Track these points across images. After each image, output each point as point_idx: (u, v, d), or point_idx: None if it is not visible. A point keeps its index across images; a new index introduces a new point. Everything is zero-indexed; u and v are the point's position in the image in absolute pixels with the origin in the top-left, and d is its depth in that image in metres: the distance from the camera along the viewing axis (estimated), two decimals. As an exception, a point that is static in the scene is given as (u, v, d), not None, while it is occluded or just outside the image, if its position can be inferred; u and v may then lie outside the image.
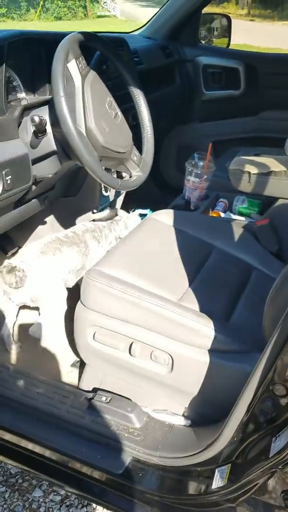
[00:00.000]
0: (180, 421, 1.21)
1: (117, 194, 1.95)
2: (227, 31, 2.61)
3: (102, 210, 1.88)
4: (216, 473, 1.00)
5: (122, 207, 2.10)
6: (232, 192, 1.81)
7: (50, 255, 1.46)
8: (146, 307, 1.16)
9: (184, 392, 1.18)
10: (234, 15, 14.13)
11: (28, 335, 1.59)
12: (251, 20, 14.81)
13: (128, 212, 1.86)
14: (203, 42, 2.50)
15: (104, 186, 1.56)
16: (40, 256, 1.44)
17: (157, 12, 2.32)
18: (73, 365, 1.49)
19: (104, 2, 22.56)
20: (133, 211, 1.85)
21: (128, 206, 2.09)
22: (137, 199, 2.07)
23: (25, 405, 1.25)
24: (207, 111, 2.44)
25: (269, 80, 2.30)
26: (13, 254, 1.76)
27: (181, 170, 2.19)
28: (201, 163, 1.75)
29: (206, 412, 1.18)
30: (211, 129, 2.43)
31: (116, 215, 1.66)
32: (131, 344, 1.19)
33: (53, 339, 1.50)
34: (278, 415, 0.89)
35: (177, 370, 1.16)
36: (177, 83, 2.35)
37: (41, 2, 16.33)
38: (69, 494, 1.55)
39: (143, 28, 2.36)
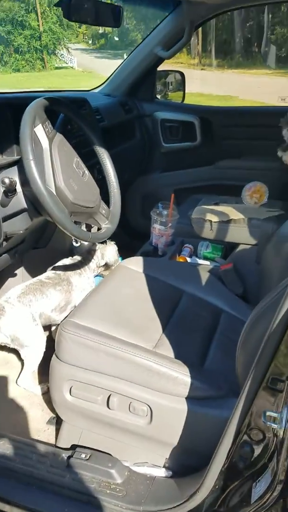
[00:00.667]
0: (162, 472, 1.21)
1: (89, 244, 1.99)
2: (181, 85, 2.78)
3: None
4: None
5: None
6: (196, 237, 1.89)
7: (31, 295, 1.52)
8: (122, 357, 1.17)
9: (164, 442, 1.18)
10: (186, 65, 15.00)
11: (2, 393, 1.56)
12: (202, 69, 15.73)
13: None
14: (159, 96, 2.65)
15: (74, 239, 1.60)
16: (20, 296, 1.48)
17: (115, 70, 2.46)
18: (49, 422, 1.47)
19: (61, 55, 23.44)
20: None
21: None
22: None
23: (3, 467, 1.21)
24: (167, 162, 2.56)
25: (222, 132, 2.46)
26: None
27: (147, 217, 2.26)
28: (165, 212, 1.82)
29: (187, 461, 1.19)
30: (171, 178, 2.54)
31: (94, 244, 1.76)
32: (109, 397, 1.20)
33: (30, 386, 1.52)
34: (257, 460, 0.91)
35: (156, 420, 1.16)
36: (137, 137, 2.47)
37: (-1, 56, 16.82)
38: None
39: (103, 85, 2.48)
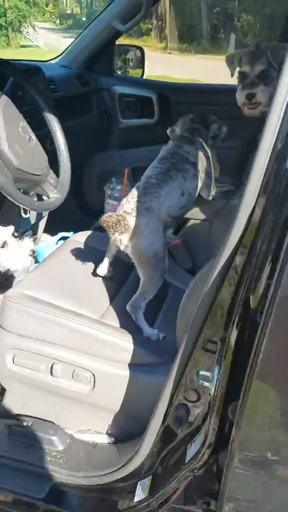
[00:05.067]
0: (104, 439, 1.22)
1: (39, 217, 1.95)
2: (141, 62, 2.75)
3: (23, 233, 1.87)
4: (138, 487, 1.02)
5: (45, 231, 2.10)
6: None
7: None
8: (66, 325, 1.16)
9: (107, 409, 1.19)
10: (153, 48, 14.85)
11: None
12: (169, 53, 15.62)
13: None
14: (119, 72, 2.61)
15: (23, 208, 1.56)
16: None
17: (72, 42, 2.40)
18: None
19: (27, 32, 22.67)
20: None
21: (51, 230, 2.09)
22: (60, 223, 2.07)
23: None
24: (125, 139, 2.53)
25: (180, 109, 2.45)
26: None
27: (103, 195, 2.24)
28: (118, 187, 1.81)
29: (129, 428, 1.20)
30: (129, 156, 2.51)
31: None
32: (52, 365, 1.19)
33: None
34: (192, 421, 0.93)
35: (99, 387, 1.17)
36: (94, 111, 2.42)
37: None
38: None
39: (59, 57, 2.42)
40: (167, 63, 10.67)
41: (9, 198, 1.22)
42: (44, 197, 1.41)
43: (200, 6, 15.23)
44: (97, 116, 2.43)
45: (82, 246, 1.58)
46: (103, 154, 2.54)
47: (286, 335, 0.74)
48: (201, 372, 0.85)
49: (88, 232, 1.65)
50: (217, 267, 0.82)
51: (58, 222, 2.08)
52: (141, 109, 2.44)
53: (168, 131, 1.77)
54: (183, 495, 0.94)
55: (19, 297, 1.22)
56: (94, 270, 1.44)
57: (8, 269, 1.43)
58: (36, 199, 1.49)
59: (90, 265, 1.47)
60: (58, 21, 31.41)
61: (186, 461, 0.92)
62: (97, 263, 1.47)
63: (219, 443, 0.86)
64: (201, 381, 0.84)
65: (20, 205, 1.26)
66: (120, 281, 1.44)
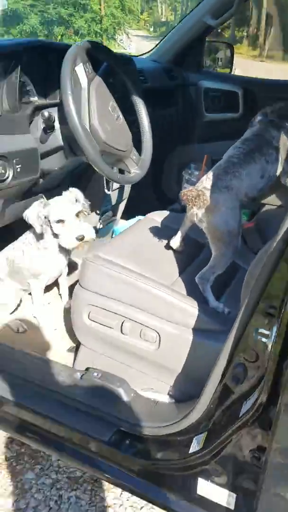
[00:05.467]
0: (165, 399, 1.29)
1: (119, 200, 2.08)
2: (230, 61, 2.80)
3: (104, 212, 2.01)
4: (193, 441, 1.07)
5: (123, 215, 2.23)
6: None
7: None
8: (138, 286, 1.26)
9: (169, 369, 1.26)
10: (245, 56, 14.70)
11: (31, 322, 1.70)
12: (261, 61, 15.37)
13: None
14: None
15: (107, 185, 1.68)
16: None
17: (163, 37, 2.51)
18: (69, 350, 1.58)
19: (121, 40, 23.54)
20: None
21: (128, 214, 2.22)
22: (137, 209, 2.19)
23: (22, 378, 1.33)
24: (207, 133, 2.59)
25: (266, 104, 2.45)
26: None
27: (181, 185, 2.32)
28: (196, 172, 1.88)
29: (189, 390, 1.25)
30: (210, 150, 2.56)
31: None
32: (122, 322, 1.29)
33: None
34: (249, 379, 0.97)
35: (164, 347, 1.24)
36: (180, 105, 2.51)
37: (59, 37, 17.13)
38: (59, 478, 1.60)
39: (150, 52, 2.55)
40: (258, 70, 10.53)
41: (96, 168, 1.34)
42: (126, 173, 1.52)
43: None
44: (181, 110, 2.52)
45: (156, 224, 1.67)
46: (185, 147, 2.62)
47: None
48: (260, 330, 0.89)
49: (164, 212, 1.74)
50: (281, 232, 0.86)
51: (135, 208, 2.20)
52: (226, 103, 2.49)
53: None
54: (234, 448, 0.98)
55: (97, 260, 1.33)
56: (167, 244, 1.52)
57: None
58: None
59: (163, 240, 1.56)
60: (152, 29, 32.18)
61: (239, 416, 0.96)
62: (169, 238, 1.55)
63: (272, 399, 0.89)
64: (259, 337, 0.88)
65: (105, 176, 1.38)
66: (191, 257, 1.51)
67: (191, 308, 1.22)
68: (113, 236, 2.16)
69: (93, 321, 1.34)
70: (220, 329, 1.20)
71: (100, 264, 1.31)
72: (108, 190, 1.60)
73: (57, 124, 1.38)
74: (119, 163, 1.49)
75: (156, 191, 2.53)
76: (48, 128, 1.37)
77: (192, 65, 2.55)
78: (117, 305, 1.29)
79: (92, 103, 1.31)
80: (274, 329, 0.87)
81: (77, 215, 1.51)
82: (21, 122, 1.37)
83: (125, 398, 1.25)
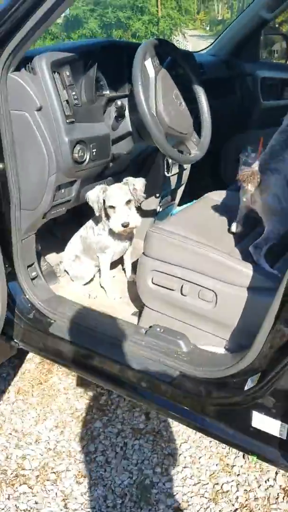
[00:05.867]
0: (221, 351, 1.44)
1: (178, 185, 2.25)
2: (286, 53, 2.89)
3: (163, 196, 2.19)
4: (248, 381, 1.22)
5: (180, 200, 2.40)
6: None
7: None
8: (197, 252, 1.43)
9: (225, 325, 1.41)
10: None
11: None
12: None
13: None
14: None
15: (167, 169, 1.86)
16: None
17: (221, 33, 2.65)
18: (133, 314, 1.77)
19: (177, 40, 23.70)
20: None
21: (186, 199, 2.38)
22: (194, 194, 2.35)
23: (94, 330, 1.54)
24: (265, 120, 2.68)
25: None
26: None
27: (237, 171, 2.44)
28: (253, 154, 2.00)
29: (244, 343, 1.40)
30: (269, 135, 2.66)
31: None
32: (182, 285, 1.46)
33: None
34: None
35: (220, 305, 1.40)
36: (237, 94, 2.64)
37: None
38: (124, 429, 1.81)
39: (209, 47, 2.70)
40: None
41: (160, 149, 1.52)
42: (186, 154, 1.69)
43: None
44: (239, 99, 2.65)
45: (215, 202, 1.82)
46: (243, 134, 2.74)
47: None
48: None
49: (222, 191, 1.89)
50: None
51: (193, 193, 2.36)
52: (283, 90, 2.59)
53: None
54: (285, 381, 1.12)
55: (160, 230, 1.52)
56: (223, 219, 1.67)
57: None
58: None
59: (222, 217, 1.71)
60: (208, 28, 31.99)
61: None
62: (226, 215, 1.70)
63: None
64: None
65: (168, 155, 1.56)
66: (247, 230, 1.65)
67: (246, 270, 1.37)
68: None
69: (156, 284, 1.52)
70: (273, 286, 1.33)
71: (163, 234, 1.50)
72: (168, 172, 1.77)
73: (127, 113, 1.57)
74: (181, 145, 1.67)
75: (213, 177, 2.68)
76: (119, 116, 1.58)
77: (250, 56, 2.68)
78: (178, 270, 1.47)
79: (158, 92, 1.50)
80: None
81: (127, 203, 1.71)
82: (97, 112, 1.59)
83: (185, 349, 1.42)
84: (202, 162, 1.86)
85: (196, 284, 1.43)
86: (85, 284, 1.97)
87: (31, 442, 1.77)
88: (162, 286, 1.51)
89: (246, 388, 1.20)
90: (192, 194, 2.32)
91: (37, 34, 1.29)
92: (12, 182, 1.44)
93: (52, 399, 1.96)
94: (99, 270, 1.94)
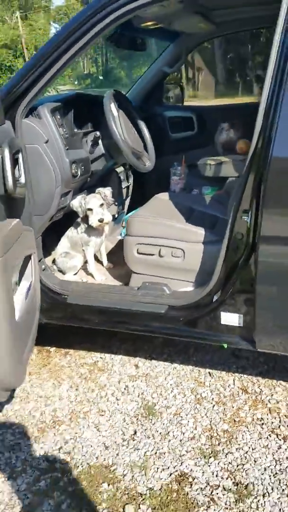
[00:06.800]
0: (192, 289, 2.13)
1: (126, 196, 2.97)
2: (180, 97, 3.83)
3: (119, 204, 2.88)
4: (214, 296, 1.92)
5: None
6: (201, 183, 2.86)
7: None
8: (166, 224, 2.13)
9: (193, 271, 2.11)
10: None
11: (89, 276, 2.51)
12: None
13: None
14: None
15: (121, 183, 2.59)
16: None
17: (133, 85, 3.49)
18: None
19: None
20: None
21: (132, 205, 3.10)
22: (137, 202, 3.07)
23: (108, 294, 2.14)
24: (174, 147, 3.54)
25: (212, 123, 3.47)
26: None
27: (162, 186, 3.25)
28: (179, 167, 2.80)
29: (205, 280, 2.09)
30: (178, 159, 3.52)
31: None
32: (159, 250, 2.13)
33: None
34: (240, 248, 1.84)
35: (187, 258, 2.10)
36: (152, 129, 3.46)
37: None
38: (123, 377, 2.37)
39: (128, 92, 3.50)
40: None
41: (129, 162, 2.24)
42: (142, 165, 2.42)
43: (213, 54, 16.78)
44: (154, 133, 3.46)
45: (164, 199, 2.54)
46: (161, 159, 3.54)
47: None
48: (244, 218, 1.77)
49: (165, 193, 2.62)
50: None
51: (136, 202, 3.07)
52: (184, 125, 3.47)
53: None
54: (237, 286, 1.84)
55: (138, 215, 2.20)
56: (174, 208, 2.40)
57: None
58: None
59: (172, 208, 2.43)
60: (76, 82, 34.10)
61: (236, 266, 1.82)
62: (173, 206, 2.43)
63: (252, 249, 1.76)
64: (244, 217, 1.75)
65: (135, 166, 2.28)
66: (191, 212, 2.39)
67: (200, 231, 2.09)
68: (124, 222, 3.03)
69: (141, 253, 2.18)
70: (218, 239, 2.07)
71: (141, 217, 2.18)
72: (123, 185, 2.48)
73: (100, 141, 2.26)
74: (139, 159, 2.38)
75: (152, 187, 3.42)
76: (94, 143, 2.25)
77: (156, 101, 3.53)
78: (155, 240, 2.14)
79: (122, 125, 2.21)
80: (249, 213, 1.75)
81: (100, 206, 2.37)
82: (77, 142, 2.24)
83: (168, 292, 2.08)
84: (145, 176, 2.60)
85: (169, 246, 2.12)
86: (74, 274, 2.54)
87: (55, 400, 2.25)
88: (145, 254, 2.17)
89: (214, 299, 1.90)
90: (136, 203, 3.03)
91: (44, 89, 1.93)
92: (29, 196, 2.01)
93: (59, 372, 2.45)
94: (85, 262, 2.53)
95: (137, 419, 2.09)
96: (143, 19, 2.43)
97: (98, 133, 2.24)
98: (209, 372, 2.37)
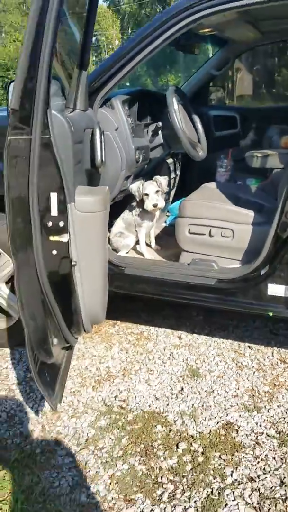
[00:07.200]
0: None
1: (172, 187, 3.24)
2: (222, 98, 4.10)
3: (167, 193, 3.15)
4: (262, 270, 2.16)
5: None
6: (246, 172, 3.12)
7: None
8: (217, 207, 2.38)
9: (241, 250, 2.35)
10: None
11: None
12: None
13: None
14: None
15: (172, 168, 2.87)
16: None
17: (184, 83, 3.77)
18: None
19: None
20: None
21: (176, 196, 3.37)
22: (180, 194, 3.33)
23: (162, 267, 2.41)
24: (218, 144, 3.80)
25: (254, 123, 3.73)
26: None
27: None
28: (225, 160, 3.06)
29: (252, 259, 2.33)
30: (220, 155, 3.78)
31: None
32: (210, 230, 2.39)
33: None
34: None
35: (236, 238, 2.35)
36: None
37: None
38: (167, 346, 2.63)
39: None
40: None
41: (186, 151, 2.49)
42: (196, 154, 2.69)
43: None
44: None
45: (210, 186, 2.79)
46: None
47: None
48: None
49: (212, 182, 2.87)
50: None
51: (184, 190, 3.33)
52: (229, 124, 3.73)
53: None
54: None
55: (190, 198, 2.46)
56: (224, 193, 2.66)
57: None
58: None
59: (221, 193, 2.69)
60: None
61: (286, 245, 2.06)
62: (222, 190, 2.68)
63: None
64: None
65: (190, 154, 2.55)
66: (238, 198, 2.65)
67: (248, 213, 2.34)
68: (168, 211, 3.31)
69: (192, 233, 2.43)
70: (265, 221, 2.30)
71: (192, 200, 2.44)
72: (173, 175, 2.76)
73: (159, 132, 2.54)
74: (194, 148, 2.65)
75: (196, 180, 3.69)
76: (154, 134, 2.53)
77: (203, 101, 3.81)
78: (205, 221, 2.40)
79: (181, 118, 2.48)
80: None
81: (156, 192, 2.64)
82: (140, 132, 2.52)
83: (216, 267, 2.33)
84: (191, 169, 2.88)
85: (219, 227, 2.37)
86: (126, 253, 2.81)
87: (108, 359, 2.52)
88: (196, 233, 2.42)
89: (261, 274, 2.14)
90: (179, 195, 3.30)
91: (119, 83, 2.21)
92: (103, 176, 2.27)
93: (110, 338, 2.73)
94: (136, 243, 2.81)
95: (183, 378, 2.34)
96: (201, 26, 2.70)
97: (160, 123, 2.52)
98: (248, 346, 2.61)
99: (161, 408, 2.14)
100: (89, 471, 1.81)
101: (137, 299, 2.90)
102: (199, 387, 2.27)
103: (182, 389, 2.26)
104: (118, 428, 2.02)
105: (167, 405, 2.16)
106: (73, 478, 1.78)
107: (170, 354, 2.55)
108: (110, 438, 1.97)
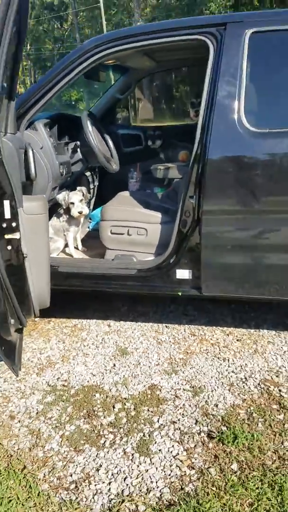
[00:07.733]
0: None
1: (92, 196, 3.66)
2: (128, 119, 4.63)
3: (88, 202, 3.56)
4: (171, 261, 2.67)
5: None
6: (152, 182, 3.63)
7: None
8: (133, 211, 2.85)
9: (153, 245, 2.84)
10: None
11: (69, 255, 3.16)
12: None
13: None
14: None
15: (91, 180, 3.30)
16: None
17: (91, 107, 4.23)
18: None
19: None
20: None
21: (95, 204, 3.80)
22: (100, 202, 3.77)
23: (90, 263, 2.80)
24: (127, 159, 4.30)
25: (156, 140, 4.29)
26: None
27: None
28: (135, 173, 3.56)
29: (163, 251, 2.83)
30: (131, 168, 4.29)
31: None
32: (128, 230, 2.85)
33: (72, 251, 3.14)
34: (189, 224, 2.60)
35: (149, 235, 2.83)
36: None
37: None
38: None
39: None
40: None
41: (102, 165, 2.94)
42: (111, 166, 3.14)
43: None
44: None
45: (125, 194, 3.27)
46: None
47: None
48: (190, 200, 2.54)
49: (125, 191, 3.35)
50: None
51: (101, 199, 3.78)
52: (135, 141, 4.26)
53: None
54: (187, 247, 2.60)
55: (110, 204, 2.90)
56: (134, 200, 3.14)
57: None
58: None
59: (133, 201, 3.17)
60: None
61: (186, 234, 2.59)
62: (134, 197, 3.17)
63: (197, 222, 2.53)
64: (190, 200, 2.52)
65: (106, 168, 2.98)
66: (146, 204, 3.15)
67: (158, 214, 2.84)
68: (90, 218, 3.72)
69: (113, 233, 2.88)
70: (171, 220, 2.82)
71: (113, 205, 2.89)
72: (90, 187, 3.19)
73: (78, 150, 2.96)
74: (109, 162, 3.10)
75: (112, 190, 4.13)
76: (74, 151, 2.94)
77: (110, 121, 4.29)
78: (124, 223, 2.85)
79: (95, 137, 2.92)
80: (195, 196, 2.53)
81: (80, 201, 3.07)
82: (61, 149, 2.92)
83: (136, 260, 2.79)
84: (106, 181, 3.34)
85: (135, 227, 2.84)
86: (57, 255, 3.17)
87: (47, 350, 2.85)
88: (117, 233, 2.87)
89: (170, 262, 2.64)
90: (99, 203, 3.74)
91: (41, 109, 2.60)
92: (34, 188, 2.63)
93: (47, 333, 3.06)
94: (66, 245, 3.18)
95: (114, 357, 2.75)
96: (107, 58, 3.18)
97: (78, 142, 2.94)
98: (165, 326, 3.10)
99: (98, 381, 2.52)
100: (42, 434, 2.15)
101: (69, 297, 3.27)
102: (128, 362, 2.69)
103: (114, 365, 2.67)
104: (63, 401, 2.37)
105: (103, 378, 2.55)
106: (30, 442, 2.10)
107: (102, 340, 2.95)
108: (57, 409, 2.31)
